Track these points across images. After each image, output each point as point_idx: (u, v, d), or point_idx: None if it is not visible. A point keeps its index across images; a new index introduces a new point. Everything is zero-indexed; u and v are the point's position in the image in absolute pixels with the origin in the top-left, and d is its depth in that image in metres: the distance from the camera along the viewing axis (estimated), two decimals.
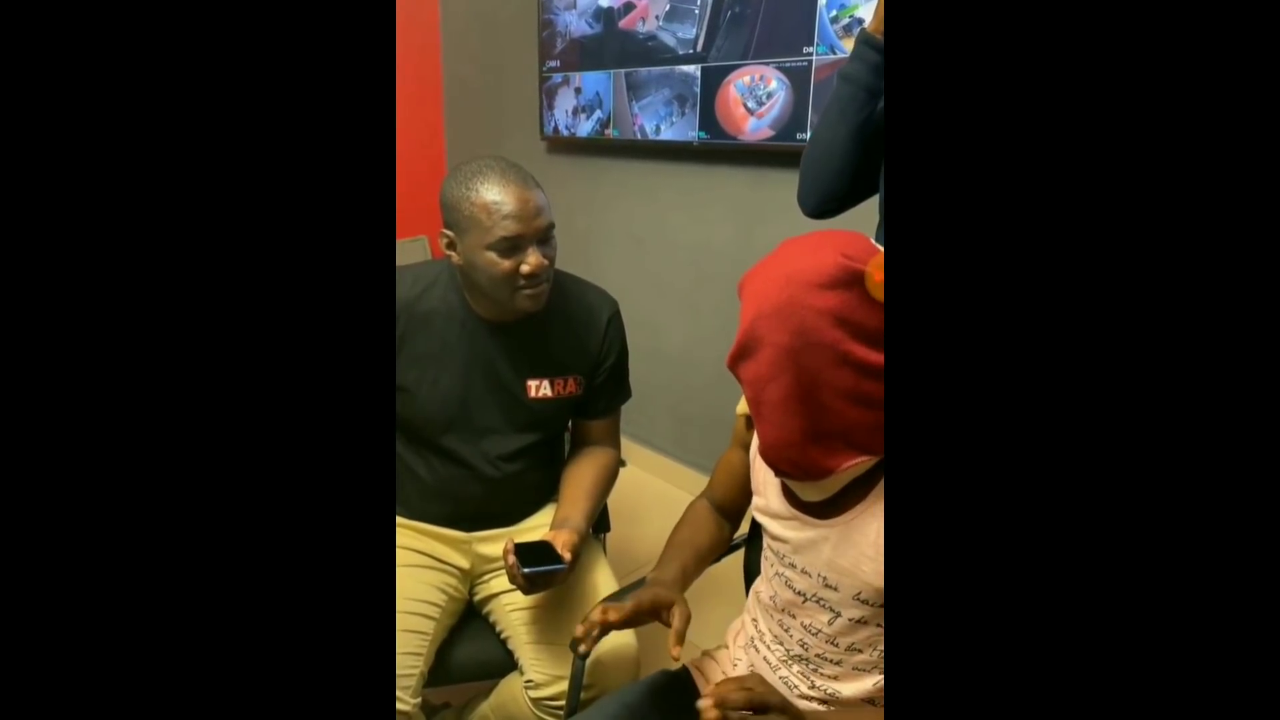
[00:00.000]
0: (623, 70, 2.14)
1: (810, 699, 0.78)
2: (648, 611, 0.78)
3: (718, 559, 0.96)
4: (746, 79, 1.83)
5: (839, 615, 0.74)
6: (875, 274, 0.62)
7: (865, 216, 1.09)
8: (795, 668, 0.79)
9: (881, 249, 0.66)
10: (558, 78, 2.36)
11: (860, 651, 0.74)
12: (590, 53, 2.23)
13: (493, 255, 0.95)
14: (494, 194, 0.94)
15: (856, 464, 0.67)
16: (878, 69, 0.95)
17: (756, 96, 1.82)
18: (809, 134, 1.71)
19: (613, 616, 0.77)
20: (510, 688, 1.07)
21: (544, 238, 0.97)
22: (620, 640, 1.01)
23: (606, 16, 2.15)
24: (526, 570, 0.92)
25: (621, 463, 1.26)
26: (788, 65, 1.74)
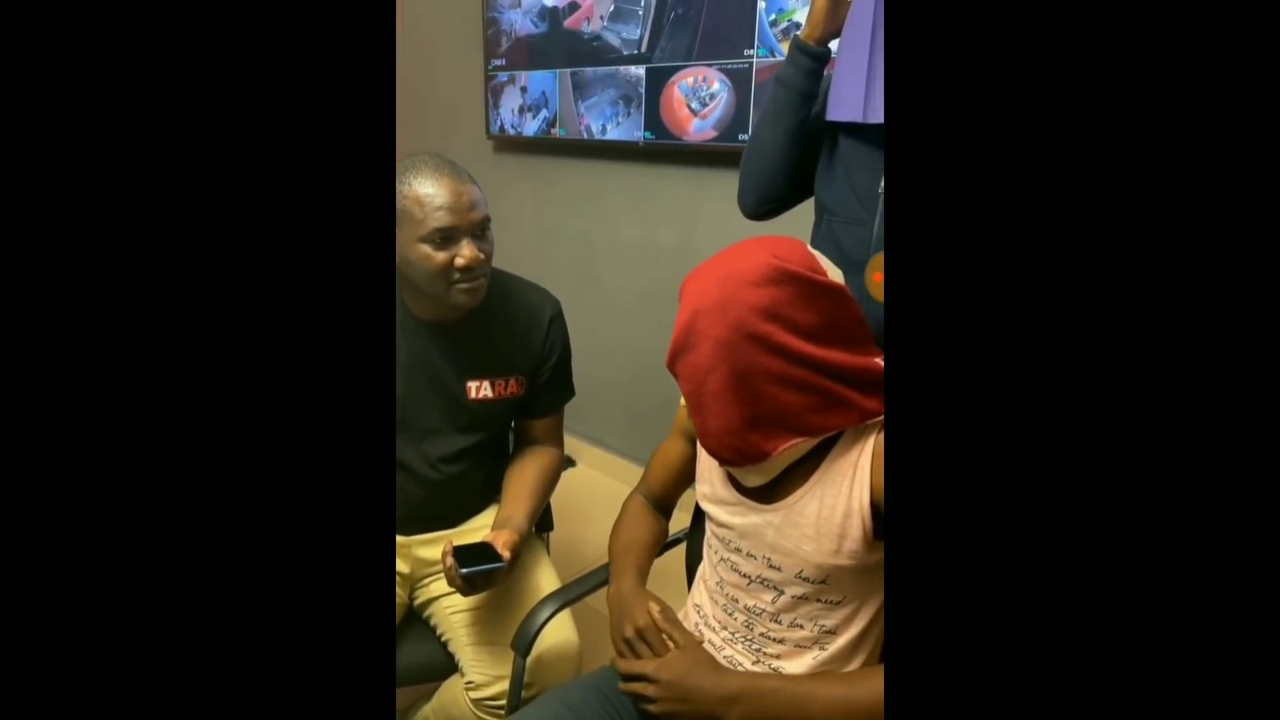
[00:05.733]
0: (568, 70, 2.14)
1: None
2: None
3: (658, 554, 0.97)
4: (690, 80, 1.85)
5: (782, 594, 0.77)
6: (874, 274, 0.64)
7: (804, 218, 1.11)
8: (740, 646, 0.82)
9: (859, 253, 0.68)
10: (503, 76, 2.34)
11: (801, 628, 0.77)
12: (536, 52, 2.22)
13: (426, 248, 0.94)
14: (427, 187, 0.93)
15: (793, 445, 0.71)
16: (811, 73, 0.97)
17: (700, 97, 1.83)
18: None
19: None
20: (451, 690, 1.06)
21: (479, 232, 0.96)
22: (561, 638, 1.01)
23: (551, 16, 2.14)
24: (465, 571, 0.91)
25: (571, 462, 1.26)
26: (729, 67, 1.76)
